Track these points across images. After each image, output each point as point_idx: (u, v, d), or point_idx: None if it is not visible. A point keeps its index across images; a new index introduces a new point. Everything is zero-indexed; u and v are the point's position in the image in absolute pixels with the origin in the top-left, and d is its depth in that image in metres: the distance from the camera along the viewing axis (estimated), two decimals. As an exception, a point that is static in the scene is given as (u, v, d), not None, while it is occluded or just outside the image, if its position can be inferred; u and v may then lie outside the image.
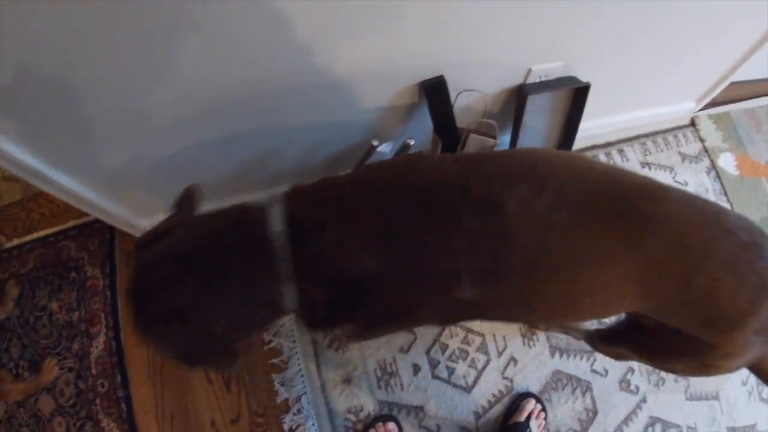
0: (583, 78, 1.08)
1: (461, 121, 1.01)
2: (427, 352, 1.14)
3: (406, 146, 0.95)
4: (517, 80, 1.03)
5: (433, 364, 1.13)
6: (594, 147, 1.40)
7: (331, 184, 0.61)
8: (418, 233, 0.56)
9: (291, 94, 0.84)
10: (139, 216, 1.15)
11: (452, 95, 0.95)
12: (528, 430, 1.09)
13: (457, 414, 1.12)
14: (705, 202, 0.66)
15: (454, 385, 1.13)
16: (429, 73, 0.90)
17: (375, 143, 0.92)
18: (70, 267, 1.31)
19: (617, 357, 0.91)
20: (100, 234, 1.31)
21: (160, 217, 1.16)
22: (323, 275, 0.56)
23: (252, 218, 0.57)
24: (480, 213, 0.56)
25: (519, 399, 1.15)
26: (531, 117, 1.07)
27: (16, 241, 1.32)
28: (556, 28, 0.93)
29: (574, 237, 0.57)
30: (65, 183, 0.87)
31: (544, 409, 1.16)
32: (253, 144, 0.97)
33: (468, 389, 1.14)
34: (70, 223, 1.34)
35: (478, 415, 1.13)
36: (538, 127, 1.11)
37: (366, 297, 0.58)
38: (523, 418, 1.11)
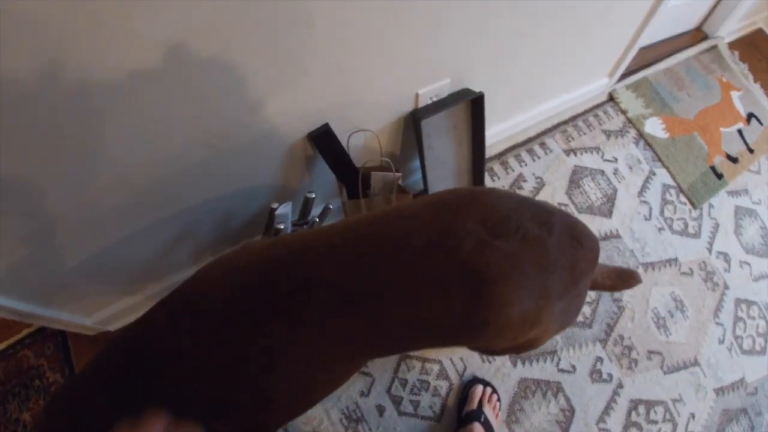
0: (477, 87, 1.07)
1: (362, 161, 1.01)
2: (388, 391, 1.12)
3: (308, 201, 0.94)
4: (408, 107, 1.02)
5: (397, 401, 1.12)
6: (515, 146, 1.37)
7: (64, 390, 0.63)
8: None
9: (187, 175, 0.83)
10: (83, 315, 1.15)
11: (344, 138, 0.95)
12: (482, 415, 1.06)
13: (432, 445, 1.11)
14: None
15: (422, 417, 1.12)
16: (314, 124, 0.89)
17: (274, 206, 0.91)
18: (33, 375, 1.31)
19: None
20: (52, 338, 1.31)
21: (103, 313, 1.16)
22: None
23: None
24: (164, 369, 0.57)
25: (466, 388, 1.13)
26: (434, 139, 1.07)
27: (-23, 362, 1.32)
28: (434, 50, 0.91)
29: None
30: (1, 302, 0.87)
31: (495, 391, 1.13)
32: (164, 228, 0.96)
33: (437, 418, 1.12)
34: (24, 332, 1.34)
35: (453, 441, 1.12)
36: (445, 147, 1.10)
37: None
38: (475, 405, 1.08)
